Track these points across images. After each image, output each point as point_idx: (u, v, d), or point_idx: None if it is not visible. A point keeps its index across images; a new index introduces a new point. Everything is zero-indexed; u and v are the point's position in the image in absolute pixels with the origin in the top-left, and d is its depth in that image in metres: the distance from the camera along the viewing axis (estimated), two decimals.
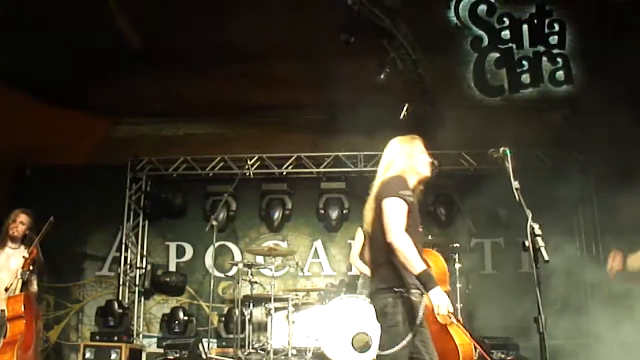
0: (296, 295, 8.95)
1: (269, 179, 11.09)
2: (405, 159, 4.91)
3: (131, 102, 10.48)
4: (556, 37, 9.72)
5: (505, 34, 9.82)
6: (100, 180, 10.90)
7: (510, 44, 9.83)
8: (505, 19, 9.83)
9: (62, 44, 8.52)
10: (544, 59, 9.77)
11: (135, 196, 11.14)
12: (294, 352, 8.41)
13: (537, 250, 3.78)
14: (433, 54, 9.43)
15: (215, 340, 9.93)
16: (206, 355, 8.82)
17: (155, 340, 10.38)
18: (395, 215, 4.43)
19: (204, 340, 9.13)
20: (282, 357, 8.33)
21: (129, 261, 10.94)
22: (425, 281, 4.24)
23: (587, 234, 10.65)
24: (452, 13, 9.73)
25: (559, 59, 9.73)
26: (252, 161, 10.58)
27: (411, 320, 4.35)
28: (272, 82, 9.33)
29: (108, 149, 11.15)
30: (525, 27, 9.81)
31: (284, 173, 10.98)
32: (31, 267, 6.90)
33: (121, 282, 10.79)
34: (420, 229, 4.67)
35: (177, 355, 8.24)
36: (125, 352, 8.88)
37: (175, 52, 9.19)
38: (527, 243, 3.82)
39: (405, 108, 9.76)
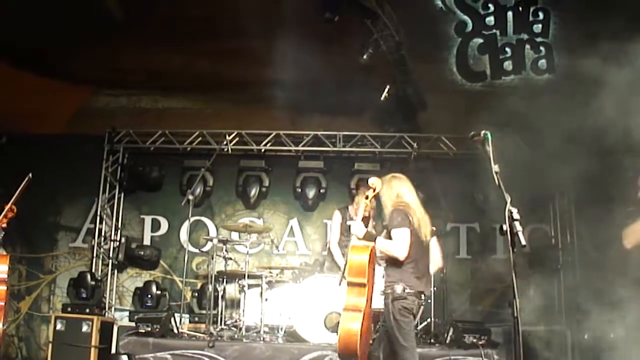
0: (270, 272, 8.94)
1: (247, 155, 11.02)
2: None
3: (111, 73, 10.38)
4: (540, 25, 9.74)
5: (490, 20, 9.82)
6: (76, 150, 10.80)
7: (494, 30, 9.83)
8: (490, 5, 9.83)
9: (43, 13, 8.40)
10: (527, 46, 9.79)
11: (111, 168, 11.00)
12: (266, 329, 8.41)
13: (514, 234, 3.76)
14: (416, 37, 9.40)
15: (187, 316, 9.90)
16: (178, 330, 8.80)
17: (127, 313, 10.38)
18: (402, 244, 5.90)
19: (176, 315, 9.10)
20: (254, 334, 8.33)
21: (103, 233, 10.83)
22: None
23: (562, 222, 10.73)
24: None
25: (541, 48, 9.76)
26: (231, 137, 10.51)
27: None
28: (253, 59, 9.25)
29: (86, 119, 11.03)
30: (510, 14, 9.82)
31: (262, 150, 10.91)
32: (4, 225, 6.79)
33: (95, 255, 10.69)
34: None
35: (149, 329, 8.18)
36: (97, 324, 8.80)
37: (157, 26, 9.10)
38: (504, 227, 3.80)
39: (386, 90, 9.74)
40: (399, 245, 5.82)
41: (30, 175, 7.10)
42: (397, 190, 6.16)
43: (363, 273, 5.71)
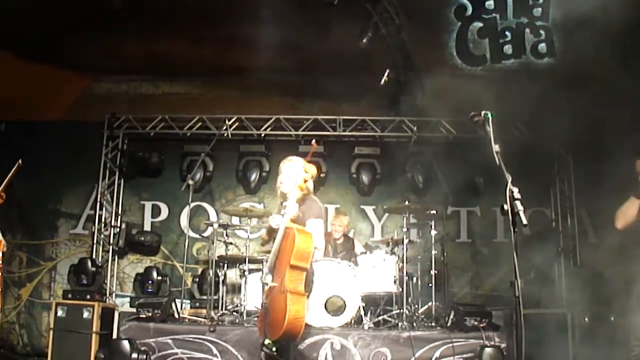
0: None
1: (247, 140, 11.04)
2: None
3: (111, 59, 10.33)
4: (540, 9, 9.66)
5: (490, 4, 9.74)
6: (76, 137, 10.79)
7: (494, 15, 9.75)
8: None
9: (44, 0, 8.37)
10: (527, 30, 9.71)
11: (111, 154, 11.01)
12: None
13: (515, 213, 3.75)
14: (416, 21, 9.36)
15: (188, 301, 9.93)
16: (179, 315, 8.81)
17: (128, 299, 10.37)
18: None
19: (177, 300, 9.11)
20: (255, 318, 8.31)
21: (103, 220, 10.85)
22: None
23: (562, 206, 10.75)
24: None
25: (541, 32, 9.68)
26: (231, 122, 10.51)
27: None
28: (253, 43, 9.22)
29: (86, 106, 11.03)
30: None
31: (263, 135, 10.91)
32: None
33: (95, 241, 10.72)
34: None
35: (150, 314, 8.18)
36: (98, 310, 8.82)
37: (157, 12, 9.05)
38: (505, 207, 3.79)
39: (386, 74, 9.71)
40: (320, 236, 6.23)
41: (20, 161, 7.10)
42: (307, 177, 6.08)
43: (307, 258, 5.71)
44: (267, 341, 5.50)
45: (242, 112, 10.67)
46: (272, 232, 6.23)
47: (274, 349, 5.52)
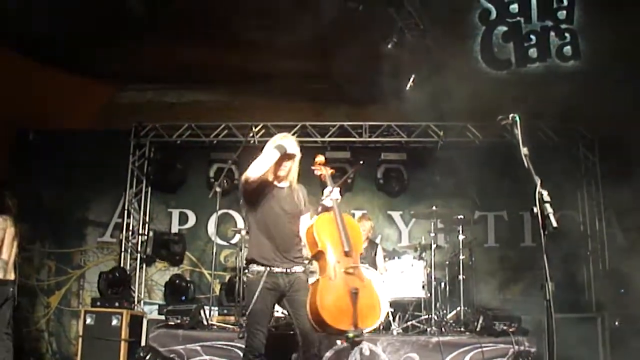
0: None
1: None
2: (263, 154, 5.70)
3: (136, 68, 10.40)
4: (565, 12, 9.61)
5: (514, 7, 9.71)
6: (103, 146, 10.87)
7: (518, 18, 9.71)
8: None
9: (68, 9, 8.43)
10: (552, 33, 9.66)
11: (138, 162, 11.11)
12: None
13: (545, 216, 3.72)
14: (441, 26, 9.35)
15: (216, 308, 9.92)
16: (207, 321, 8.83)
17: (156, 307, 10.38)
18: None
19: (206, 307, 9.14)
20: (283, 323, 8.33)
21: (131, 227, 10.93)
22: None
23: (590, 209, 10.67)
24: None
25: (566, 34, 9.62)
26: (257, 129, 10.54)
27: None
28: (278, 50, 9.24)
29: (112, 114, 11.11)
30: (534, 1, 9.70)
31: None
32: None
33: (123, 249, 10.80)
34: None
35: (179, 321, 8.22)
36: (126, 318, 8.89)
37: (181, 18, 9.10)
38: (535, 209, 3.76)
39: (411, 79, 9.70)
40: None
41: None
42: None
43: None
44: (352, 333, 5.09)
45: (268, 119, 10.68)
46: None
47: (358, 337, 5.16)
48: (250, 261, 5.51)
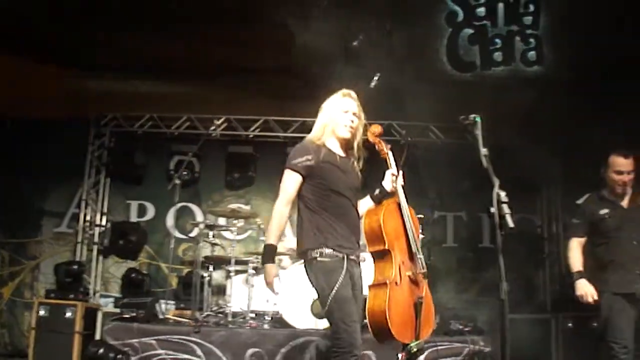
0: (257, 258, 8.88)
1: (235, 141, 11.01)
2: (322, 119, 4.96)
3: (99, 57, 10.25)
4: (530, 17, 9.73)
5: (481, 11, 9.80)
6: (62, 135, 10.72)
7: (484, 22, 9.81)
8: None
9: None
10: (517, 38, 9.77)
11: (97, 152, 10.97)
12: (253, 315, 8.38)
13: (502, 217, 3.75)
14: (407, 26, 9.37)
15: (173, 302, 9.82)
16: (163, 315, 8.77)
17: (112, 300, 10.31)
18: (282, 187, 4.72)
19: (162, 301, 9.07)
20: (240, 320, 8.30)
21: (88, 219, 10.78)
22: (264, 254, 4.70)
23: (548, 212, 10.82)
24: None
25: (531, 40, 9.74)
26: (219, 122, 10.44)
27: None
28: (243, 44, 9.21)
29: (73, 103, 10.90)
30: (500, 5, 9.79)
31: (251, 136, 10.90)
32: None
33: (79, 240, 10.64)
34: (345, 193, 4.74)
35: (134, 314, 8.15)
36: (81, 310, 8.75)
37: (146, 9, 9.01)
38: (492, 210, 3.79)
39: (376, 77, 9.71)
40: None
41: None
42: None
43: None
44: (416, 345, 4.59)
45: (230, 112, 10.63)
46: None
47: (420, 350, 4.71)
48: (317, 247, 4.56)
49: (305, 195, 4.69)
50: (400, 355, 4.67)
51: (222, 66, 9.87)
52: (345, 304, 4.44)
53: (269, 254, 4.65)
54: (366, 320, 4.64)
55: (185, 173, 9.87)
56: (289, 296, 7.98)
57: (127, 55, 10.06)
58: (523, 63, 9.77)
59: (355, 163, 4.95)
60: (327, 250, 4.51)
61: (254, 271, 8.54)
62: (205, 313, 8.58)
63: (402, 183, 4.99)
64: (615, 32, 8.34)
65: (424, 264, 4.86)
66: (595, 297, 5.80)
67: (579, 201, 6.24)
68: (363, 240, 4.90)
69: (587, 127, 8.83)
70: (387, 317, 4.48)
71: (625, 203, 6.04)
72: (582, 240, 6.09)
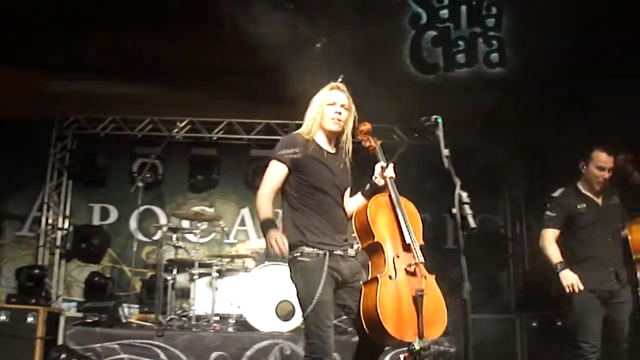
0: (221, 261, 8.88)
1: (199, 143, 10.96)
2: (310, 113, 4.86)
3: (61, 58, 10.14)
4: (493, 20, 9.81)
5: (444, 13, 9.86)
6: (24, 137, 10.61)
7: (448, 24, 9.87)
8: None
9: None
10: (480, 40, 9.85)
11: (59, 155, 10.83)
12: (217, 319, 8.36)
13: (464, 217, 3.77)
14: (371, 27, 9.39)
15: (137, 306, 9.79)
16: (126, 319, 8.70)
17: (75, 304, 10.21)
18: (265, 177, 4.61)
19: (125, 305, 9.01)
20: (205, 323, 8.27)
21: (50, 222, 10.65)
22: (263, 227, 4.50)
23: (511, 212, 10.91)
24: None
25: (494, 42, 9.83)
26: (182, 124, 10.40)
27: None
28: (207, 45, 9.17)
29: (35, 105, 10.77)
30: (463, 7, 9.86)
31: (214, 138, 10.86)
32: None
33: (41, 244, 10.50)
34: (329, 191, 4.63)
35: (96, 318, 8.06)
36: (43, 315, 8.62)
37: (109, 10, 8.94)
38: (454, 210, 3.81)
39: (339, 79, 9.71)
40: None
41: None
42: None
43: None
44: (418, 344, 4.23)
45: (194, 114, 10.59)
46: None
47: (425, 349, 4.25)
48: (298, 245, 4.44)
49: (289, 191, 4.60)
50: (402, 356, 4.39)
51: (185, 68, 9.84)
52: (322, 308, 4.30)
53: (267, 224, 4.42)
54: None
55: (148, 175, 9.83)
56: (253, 299, 7.97)
57: (89, 57, 9.97)
58: (486, 65, 9.85)
59: (347, 160, 4.81)
60: (307, 249, 4.40)
61: (217, 274, 8.51)
62: (169, 317, 8.52)
63: (392, 175, 4.83)
64: (580, 34, 8.41)
65: (419, 255, 4.59)
66: (581, 287, 5.71)
67: (555, 194, 6.15)
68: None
69: (549, 128, 8.94)
70: (379, 313, 4.23)
71: (600, 201, 6.05)
72: (557, 232, 6.02)
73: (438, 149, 4.15)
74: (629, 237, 6.11)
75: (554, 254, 5.96)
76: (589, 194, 6.08)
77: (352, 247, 4.67)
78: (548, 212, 6.14)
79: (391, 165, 4.86)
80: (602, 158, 5.99)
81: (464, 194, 3.85)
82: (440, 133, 4.27)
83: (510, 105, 9.17)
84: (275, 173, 4.58)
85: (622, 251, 6.04)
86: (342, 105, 4.76)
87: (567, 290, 5.76)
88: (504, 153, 10.77)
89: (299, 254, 4.41)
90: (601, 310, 5.79)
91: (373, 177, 4.88)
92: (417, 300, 4.34)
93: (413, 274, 4.50)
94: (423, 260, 4.57)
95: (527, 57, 9.49)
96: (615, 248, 6.00)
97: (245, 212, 11.00)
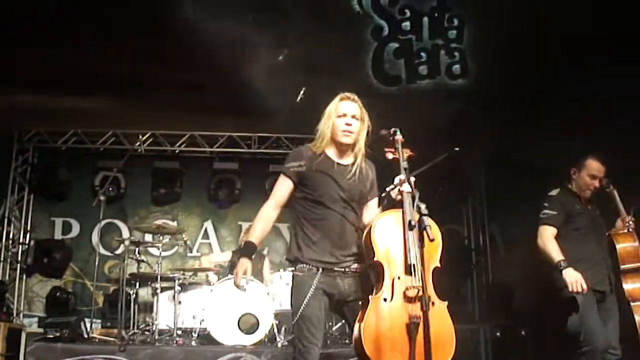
0: (183, 275, 8.82)
1: (161, 156, 10.96)
2: (321, 126, 4.62)
3: (21, 71, 10.05)
4: (455, 31, 9.88)
5: (406, 25, 9.91)
6: None
7: (410, 35, 9.92)
8: (406, 10, 9.90)
9: None
10: (442, 52, 9.91)
11: (20, 168, 10.74)
12: (180, 332, 8.30)
13: (423, 229, 3.80)
14: (333, 39, 9.42)
15: (99, 321, 9.72)
16: (88, 334, 8.61)
17: (36, 319, 10.15)
18: (273, 190, 4.59)
19: (88, 319, 8.92)
20: (167, 337, 8.21)
21: (11, 236, 10.53)
22: (241, 249, 4.74)
23: (474, 223, 10.99)
24: (354, 0, 9.75)
25: (456, 53, 9.90)
26: (144, 137, 10.33)
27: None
28: (169, 58, 9.14)
29: None
30: (425, 19, 9.92)
31: (177, 151, 10.86)
32: None
33: (2, 258, 10.38)
34: (333, 205, 4.41)
35: (57, 334, 7.97)
36: (3, 331, 8.51)
37: (69, 24, 8.88)
38: (413, 222, 3.84)
39: (302, 92, 9.74)
40: None
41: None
42: None
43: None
44: None
45: (156, 127, 10.56)
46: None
47: None
48: (294, 261, 4.40)
49: (296, 206, 4.52)
50: None
51: (147, 81, 9.77)
52: (305, 323, 4.20)
53: (246, 249, 4.46)
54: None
55: (110, 189, 9.76)
56: (216, 313, 7.94)
57: (50, 70, 9.87)
58: (448, 76, 9.91)
59: (365, 169, 4.60)
60: (300, 265, 4.34)
61: (180, 288, 8.46)
62: (132, 331, 8.48)
63: (409, 190, 4.23)
64: (542, 44, 8.50)
65: (417, 279, 4.10)
66: (585, 286, 5.52)
67: (552, 193, 6.08)
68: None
69: (511, 139, 9.03)
70: (361, 335, 3.95)
71: (589, 207, 6.04)
72: (555, 231, 5.84)
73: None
74: (616, 247, 6.06)
75: (555, 251, 5.75)
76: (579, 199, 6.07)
77: (357, 263, 4.44)
78: (547, 210, 5.94)
79: (412, 179, 4.34)
80: (595, 166, 5.98)
81: (423, 206, 3.88)
82: (399, 145, 4.29)
83: (473, 117, 9.22)
84: (280, 187, 4.54)
85: (610, 258, 6.02)
86: (353, 116, 4.56)
87: (570, 289, 5.55)
88: (467, 164, 10.90)
89: (294, 268, 4.41)
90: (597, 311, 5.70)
91: (388, 188, 4.43)
92: (411, 328, 3.97)
93: (413, 299, 4.08)
94: (420, 284, 4.03)
95: (488, 68, 9.56)
96: (606, 253, 5.97)
97: (208, 224, 11.00)
